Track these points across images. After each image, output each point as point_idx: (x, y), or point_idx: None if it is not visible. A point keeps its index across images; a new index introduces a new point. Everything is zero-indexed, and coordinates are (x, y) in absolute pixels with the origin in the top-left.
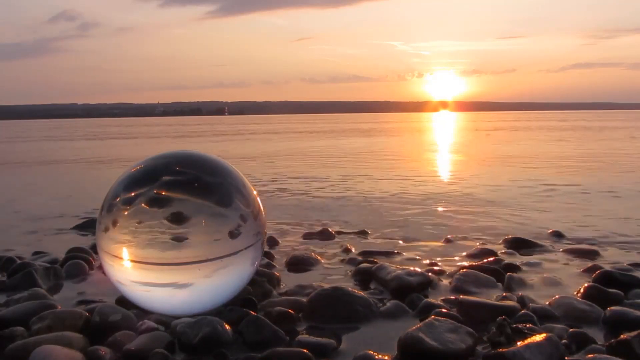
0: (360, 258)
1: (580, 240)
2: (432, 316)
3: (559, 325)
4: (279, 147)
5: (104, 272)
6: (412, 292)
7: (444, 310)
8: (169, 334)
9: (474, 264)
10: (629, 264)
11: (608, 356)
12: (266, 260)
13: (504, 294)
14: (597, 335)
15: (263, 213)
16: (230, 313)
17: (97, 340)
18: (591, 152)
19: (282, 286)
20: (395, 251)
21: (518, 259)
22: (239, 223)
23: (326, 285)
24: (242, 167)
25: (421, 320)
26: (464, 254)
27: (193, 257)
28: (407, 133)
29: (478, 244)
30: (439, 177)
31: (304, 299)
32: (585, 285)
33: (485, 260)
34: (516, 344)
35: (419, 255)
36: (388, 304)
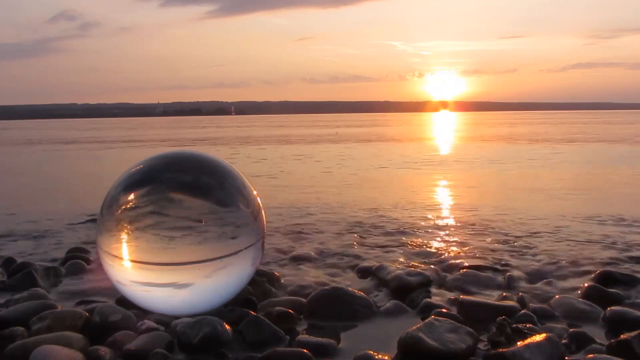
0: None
1: None
2: (432, 316)
3: (559, 325)
4: None
5: (104, 272)
6: (412, 291)
7: (444, 310)
8: (169, 334)
9: (474, 264)
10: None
11: (608, 356)
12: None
13: (504, 294)
14: (597, 335)
15: (263, 213)
16: (230, 313)
17: (97, 340)
18: None
19: (282, 285)
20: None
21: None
22: (238, 223)
23: (326, 285)
24: None
25: (421, 320)
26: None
27: (193, 257)
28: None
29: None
30: None
31: (304, 299)
32: (585, 285)
33: (485, 260)
34: (516, 344)
35: (419, 255)
36: (388, 304)
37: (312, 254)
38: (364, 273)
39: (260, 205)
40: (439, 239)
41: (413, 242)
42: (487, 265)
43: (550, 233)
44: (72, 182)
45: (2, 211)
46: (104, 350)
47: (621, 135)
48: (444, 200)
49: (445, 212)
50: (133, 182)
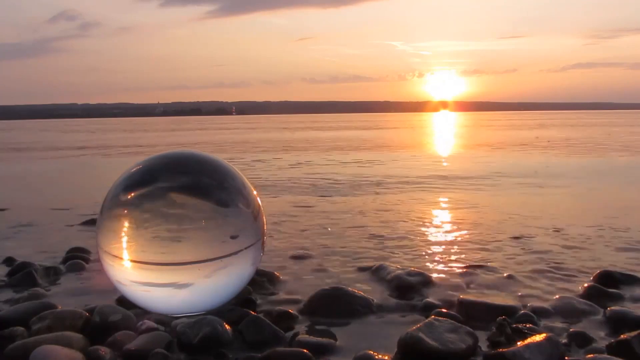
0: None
1: None
2: (432, 316)
3: (559, 325)
4: None
5: (104, 272)
6: (412, 291)
7: (444, 310)
8: (169, 334)
9: (474, 263)
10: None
11: (608, 356)
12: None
13: (504, 293)
14: (597, 335)
15: (263, 213)
16: (230, 313)
17: (97, 340)
18: None
19: (282, 285)
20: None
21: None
22: (238, 223)
23: (326, 285)
24: None
25: (421, 320)
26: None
27: (193, 257)
28: None
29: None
30: None
31: (304, 299)
32: (585, 285)
33: (485, 259)
34: (516, 344)
35: (419, 255)
36: (388, 304)
37: (313, 253)
38: (363, 272)
39: (260, 205)
40: (439, 239)
41: (413, 242)
42: (488, 265)
43: (552, 233)
44: (73, 182)
45: (2, 211)
46: (104, 350)
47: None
48: (445, 200)
49: (446, 212)
50: (133, 182)
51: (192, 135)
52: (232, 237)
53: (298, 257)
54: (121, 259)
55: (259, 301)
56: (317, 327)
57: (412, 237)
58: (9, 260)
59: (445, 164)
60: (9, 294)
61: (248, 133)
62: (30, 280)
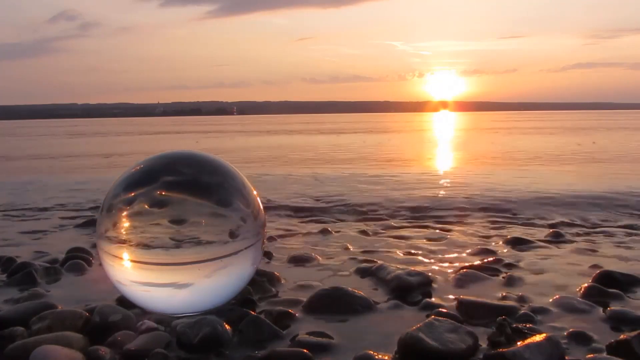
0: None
1: None
2: (432, 316)
3: (559, 325)
4: None
5: (104, 272)
6: (412, 291)
7: (444, 310)
8: (169, 334)
9: (474, 263)
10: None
11: (608, 356)
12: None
13: (504, 293)
14: (597, 335)
15: (263, 213)
16: (230, 313)
17: (97, 340)
18: None
19: (282, 285)
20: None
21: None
22: (239, 223)
23: (326, 285)
24: None
25: (421, 320)
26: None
27: (193, 257)
28: None
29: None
30: None
31: (304, 299)
32: (585, 285)
33: (485, 260)
34: (516, 344)
35: (419, 254)
36: (388, 304)
37: (312, 253)
38: (363, 273)
39: (260, 205)
40: (439, 238)
41: (413, 242)
42: (488, 265)
43: (552, 233)
44: (73, 182)
45: (2, 211)
46: (104, 350)
47: None
48: (446, 198)
49: (445, 210)
50: (133, 181)
51: (242, 137)
52: (232, 237)
53: (298, 257)
54: (121, 259)
55: (259, 301)
56: (317, 327)
57: (412, 237)
58: (9, 260)
59: None
60: (9, 294)
61: (295, 136)
62: (30, 280)
